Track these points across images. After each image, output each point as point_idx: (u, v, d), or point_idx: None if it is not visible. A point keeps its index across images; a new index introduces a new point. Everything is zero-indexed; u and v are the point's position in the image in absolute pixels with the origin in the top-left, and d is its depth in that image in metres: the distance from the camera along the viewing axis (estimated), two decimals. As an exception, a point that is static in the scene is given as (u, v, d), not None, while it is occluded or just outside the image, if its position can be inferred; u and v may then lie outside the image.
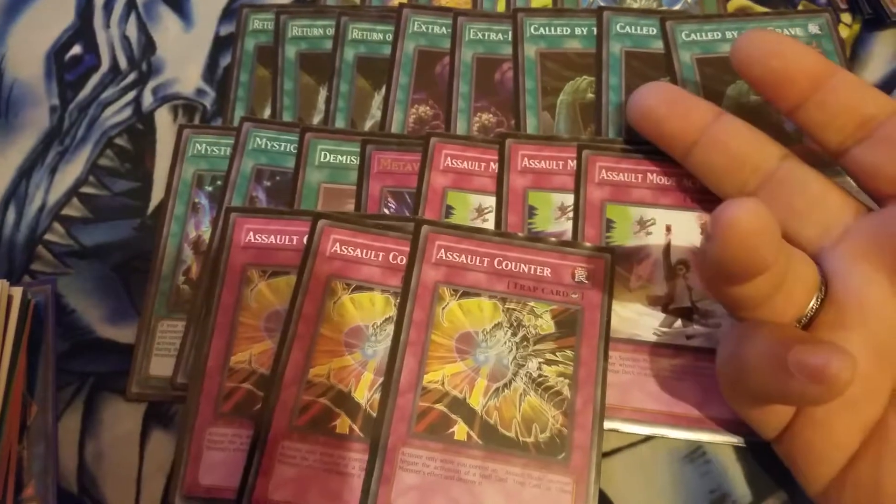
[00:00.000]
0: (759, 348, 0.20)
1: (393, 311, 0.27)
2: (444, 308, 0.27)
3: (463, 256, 0.28)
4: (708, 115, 0.26)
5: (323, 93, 0.32)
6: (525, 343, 0.26)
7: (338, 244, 0.28)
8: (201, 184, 0.31)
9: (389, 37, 0.33)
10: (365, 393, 0.26)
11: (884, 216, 0.23)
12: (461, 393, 0.26)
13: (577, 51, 0.32)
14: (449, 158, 0.30)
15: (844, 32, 0.32)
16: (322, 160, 0.30)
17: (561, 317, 0.27)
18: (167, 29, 0.35)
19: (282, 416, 0.26)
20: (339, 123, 0.31)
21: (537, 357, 0.26)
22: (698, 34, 0.31)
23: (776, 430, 0.23)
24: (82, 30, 0.35)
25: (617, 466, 0.25)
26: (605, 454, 0.25)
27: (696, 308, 0.27)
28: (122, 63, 0.34)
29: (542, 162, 0.29)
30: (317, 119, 0.32)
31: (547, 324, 0.26)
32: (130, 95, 0.33)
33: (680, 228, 0.28)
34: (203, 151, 0.31)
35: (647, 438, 0.26)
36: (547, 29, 0.32)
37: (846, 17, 0.33)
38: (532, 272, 0.27)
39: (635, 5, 0.33)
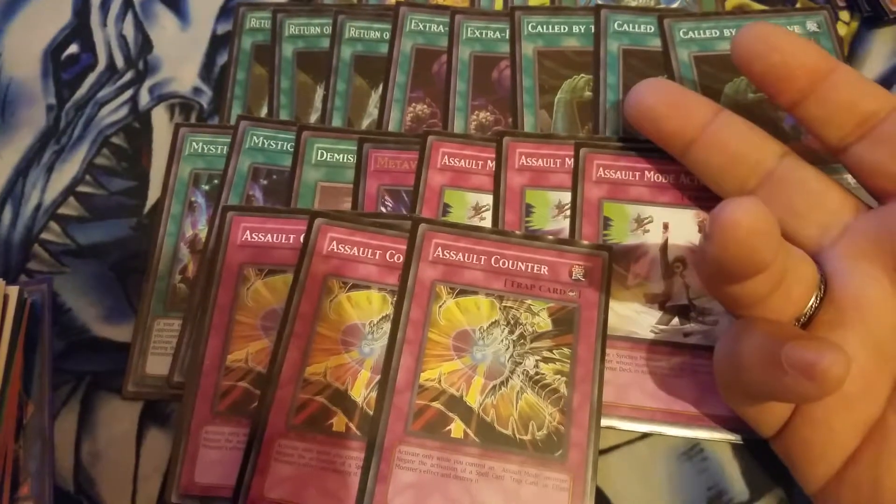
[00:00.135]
0: (754, 345, 0.20)
1: (390, 310, 0.27)
2: (441, 306, 0.27)
3: (460, 254, 0.27)
4: (707, 113, 0.26)
5: (320, 91, 0.32)
6: (522, 341, 0.26)
7: (335, 242, 0.28)
8: (198, 182, 0.31)
9: (387, 35, 0.33)
10: (362, 391, 0.26)
11: (883, 214, 0.23)
12: (458, 391, 0.26)
13: (575, 49, 0.32)
14: (446, 157, 0.30)
15: (842, 30, 0.32)
16: (319, 159, 0.30)
17: (558, 314, 0.26)
18: (164, 28, 0.35)
19: (278, 415, 0.26)
20: (336, 122, 0.31)
21: (534, 355, 0.26)
22: (696, 32, 0.31)
23: (774, 428, 0.23)
24: (79, 29, 0.35)
25: (614, 464, 0.25)
26: (603, 451, 0.25)
27: (693, 306, 0.27)
28: (119, 62, 0.34)
29: (540, 160, 0.29)
30: (314, 117, 0.32)
31: (544, 321, 0.26)
32: (127, 94, 0.33)
33: (677, 226, 0.28)
34: (200, 150, 0.31)
35: (645, 436, 0.26)
36: (545, 27, 0.32)
37: (844, 15, 0.33)
38: (529, 270, 0.27)
39: (633, 3, 0.33)
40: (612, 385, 0.26)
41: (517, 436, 0.25)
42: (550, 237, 0.28)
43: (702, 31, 0.31)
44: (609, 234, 0.28)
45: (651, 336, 0.26)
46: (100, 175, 0.32)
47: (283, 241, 0.28)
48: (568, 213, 0.28)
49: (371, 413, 0.25)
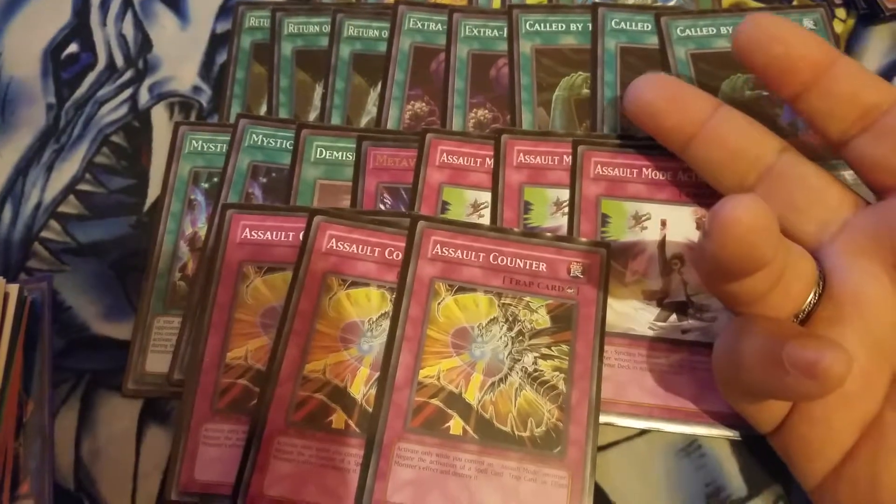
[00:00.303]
0: (754, 344, 0.20)
1: (389, 307, 0.27)
2: (439, 303, 0.27)
3: (459, 252, 0.28)
4: (706, 108, 0.25)
5: (319, 90, 0.32)
6: (521, 338, 0.26)
7: (334, 240, 0.28)
8: (197, 181, 0.31)
9: (385, 34, 0.33)
10: (361, 388, 0.26)
11: (882, 211, 0.23)
12: (457, 388, 0.26)
13: (573, 47, 0.32)
14: (445, 154, 0.30)
15: (839, 27, 0.32)
16: (318, 157, 0.30)
17: (556, 311, 0.27)
18: (163, 27, 0.35)
19: (278, 412, 0.26)
20: (335, 120, 0.32)
21: (533, 352, 0.26)
22: (693, 30, 0.31)
23: (772, 425, 0.23)
24: (79, 28, 0.35)
25: (613, 460, 0.26)
26: (601, 448, 0.26)
27: (691, 302, 0.27)
28: (119, 61, 0.34)
29: (538, 157, 0.29)
30: (313, 116, 0.32)
31: (542, 318, 0.26)
32: (127, 93, 0.33)
33: (675, 223, 0.28)
34: (199, 148, 0.31)
35: (643, 432, 0.26)
36: (542, 25, 0.32)
37: (840, 12, 0.33)
38: (528, 267, 0.27)
39: (630, 1, 0.33)
40: (610, 382, 0.26)
41: (516, 432, 0.25)
42: (549, 234, 0.28)
43: (699, 29, 0.31)
44: (607, 231, 0.28)
45: (649, 333, 0.27)
46: (100, 173, 0.32)
47: (283, 238, 0.28)
48: (566, 210, 0.28)
49: (370, 410, 0.25)
